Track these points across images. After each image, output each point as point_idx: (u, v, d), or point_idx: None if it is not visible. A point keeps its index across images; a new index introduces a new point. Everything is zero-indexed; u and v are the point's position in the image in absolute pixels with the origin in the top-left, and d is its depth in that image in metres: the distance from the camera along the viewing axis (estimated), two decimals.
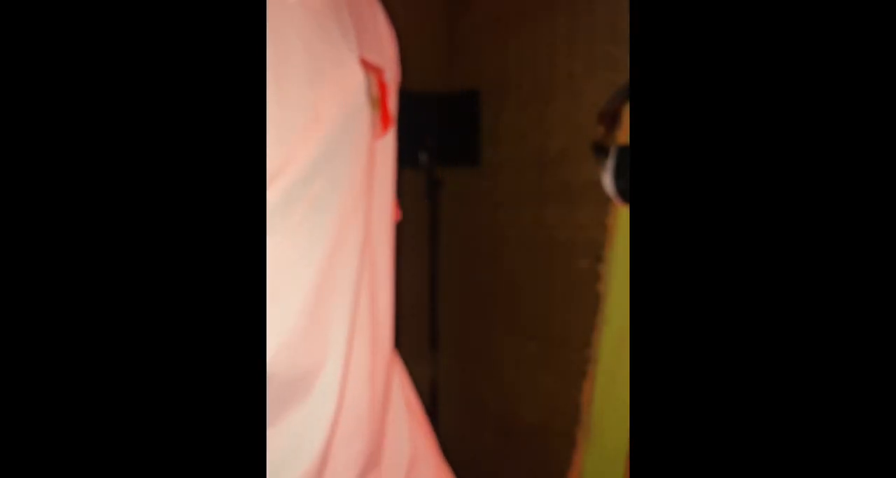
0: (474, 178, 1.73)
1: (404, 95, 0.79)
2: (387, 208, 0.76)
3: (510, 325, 1.41)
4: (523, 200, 1.40)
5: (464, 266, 1.83)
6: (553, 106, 1.31)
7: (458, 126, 1.88)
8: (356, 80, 0.62)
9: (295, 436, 0.66)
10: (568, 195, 1.29)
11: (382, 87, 0.67)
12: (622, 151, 0.83)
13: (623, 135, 1.00)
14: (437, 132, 1.83)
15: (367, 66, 0.65)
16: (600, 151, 0.85)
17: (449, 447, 1.10)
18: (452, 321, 1.88)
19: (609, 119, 0.89)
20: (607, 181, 0.84)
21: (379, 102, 0.67)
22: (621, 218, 1.14)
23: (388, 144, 0.72)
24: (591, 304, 1.18)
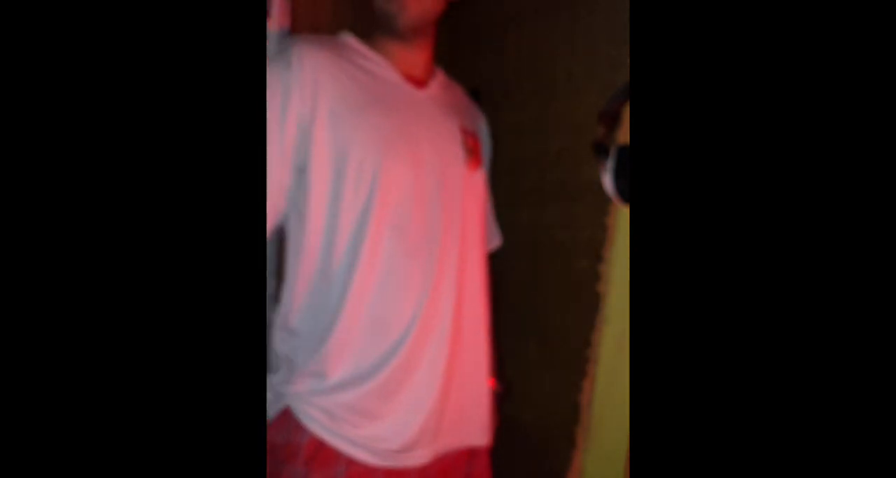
0: None
1: None
2: (480, 230, 1.12)
3: (510, 325, 1.41)
4: (523, 200, 1.40)
5: None
6: (553, 106, 1.31)
7: None
8: (455, 133, 1.10)
9: None
10: (568, 195, 1.29)
11: (476, 142, 1.14)
12: (622, 150, 0.83)
13: (623, 135, 1.00)
14: None
15: (464, 129, 1.12)
16: (600, 150, 0.85)
17: None
18: None
19: (609, 119, 0.88)
20: (607, 181, 0.84)
21: (473, 150, 1.12)
22: (621, 218, 1.14)
23: (479, 179, 1.13)
24: (591, 304, 1.18)
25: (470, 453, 1.11)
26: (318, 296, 0.99)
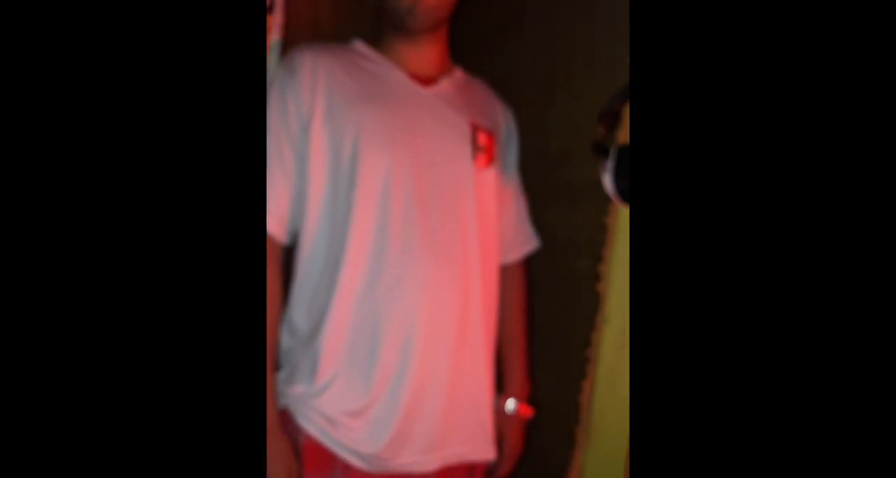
0: None
1: None
2: (490, 229, 1.09)
3: None
4: None
5: None
6: (553, 106, 1.31)
7: None
8: (463, 129, 1.08)
9: None
10: (568, 195, 1.29)
11: (489, 139, 1.10)
12: (622, 150, 0.83)
13: (623, 135, 1.00)
14: None
15: (475, 126, 1.09)
16: (600, 151, 0.85)
17: None
18: None
19: (609, 119, 0.88)
20: (607, 181, 0.84)
21: (485, 148, 1.09)
22: (621, 218, 1.14)
23: (490, 176, 1.10)
24: (591, 304, 1.18)
25: (469, 469, 1.09)
26: (314, 293, 0.99)
